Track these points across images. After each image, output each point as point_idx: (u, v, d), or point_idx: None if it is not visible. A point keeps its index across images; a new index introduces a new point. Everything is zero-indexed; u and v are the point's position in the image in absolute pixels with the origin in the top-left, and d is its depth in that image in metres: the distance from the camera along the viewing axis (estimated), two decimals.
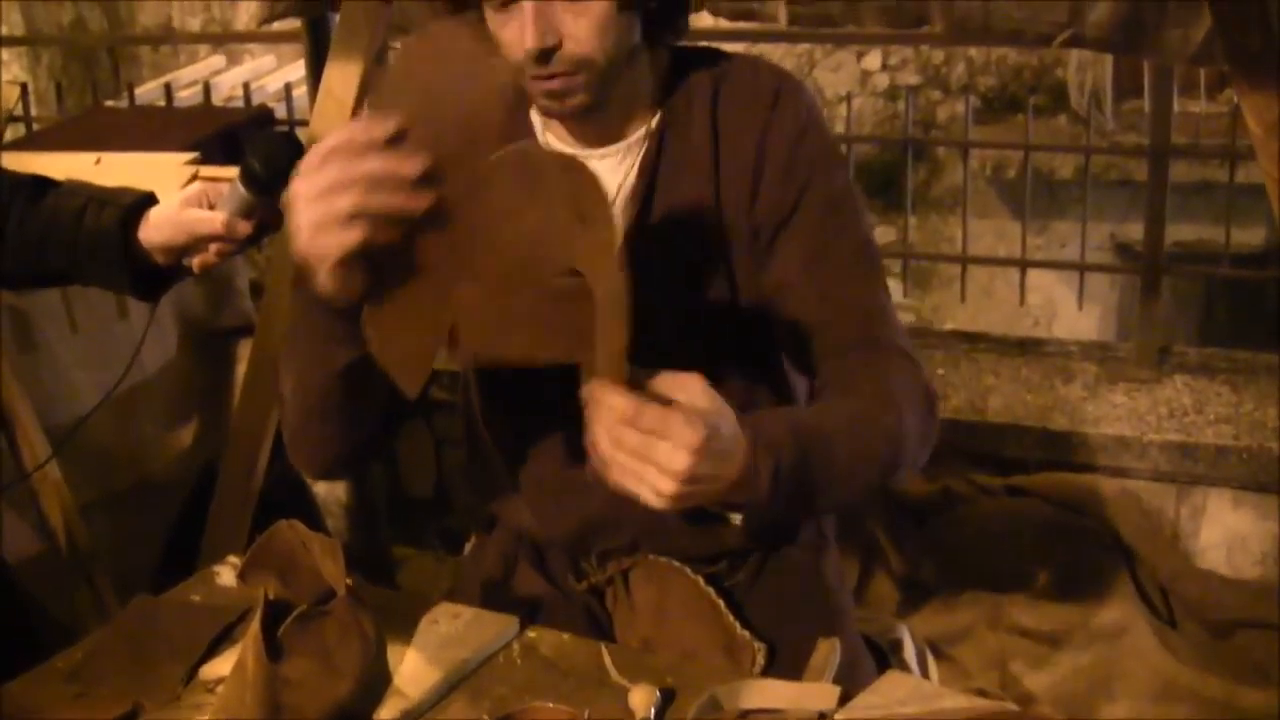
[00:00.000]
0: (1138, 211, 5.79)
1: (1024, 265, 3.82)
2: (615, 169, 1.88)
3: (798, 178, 1.82)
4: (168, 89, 4.49)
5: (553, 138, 1.91)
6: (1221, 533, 3.30)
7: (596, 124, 1.86)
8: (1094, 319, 6.39)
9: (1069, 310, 6.11)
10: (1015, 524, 3.24)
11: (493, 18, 1.75)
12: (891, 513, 3.35)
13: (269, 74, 5.10)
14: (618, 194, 1.87)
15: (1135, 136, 6.29)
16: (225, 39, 7.13)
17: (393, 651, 1.57)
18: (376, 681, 1.55)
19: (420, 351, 1.49)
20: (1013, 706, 2.09)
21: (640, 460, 1.42)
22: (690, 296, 1.88)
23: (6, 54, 7.39)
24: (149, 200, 1.97)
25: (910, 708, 1.53)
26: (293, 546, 1.62)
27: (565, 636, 1.75)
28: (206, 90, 4.48)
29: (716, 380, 1.86)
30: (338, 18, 3.45)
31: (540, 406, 1.95)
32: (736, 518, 1.66)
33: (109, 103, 4.68)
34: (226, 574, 1.91)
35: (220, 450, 3.87)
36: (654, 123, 1.87)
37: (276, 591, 1.55)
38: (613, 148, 1.88)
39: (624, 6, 1.73)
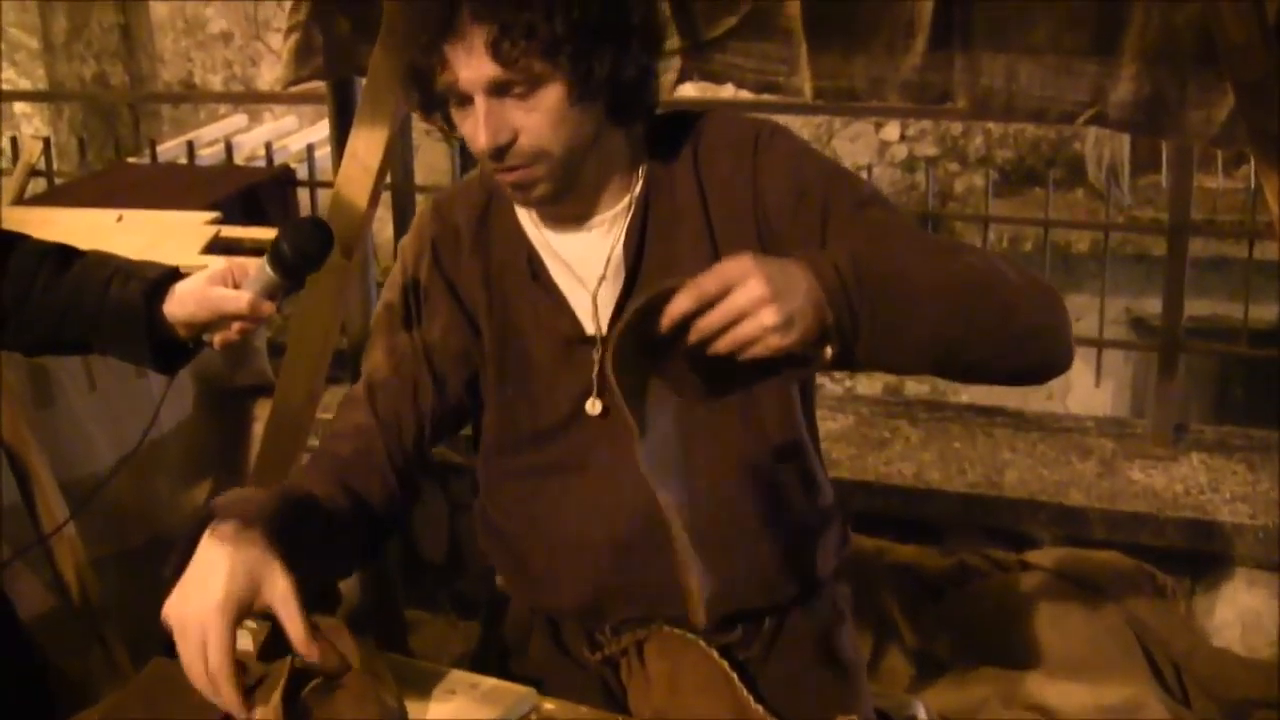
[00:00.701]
0: (1153, 286, 5.80)
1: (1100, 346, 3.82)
2: (600, 241, 1.89)
3: (814, 199, 1.82)
4: (190, 147, 4.53)
5: (530, 221, 1.93)
6: (1236, 611, 3.30)
7: (572, 205, 1.87)
8: (1108, 394, 6.38)
9: (1084, 384, 6.10)
10: (1030, 599, 3.23)
11: (455, 112, 1.79)
12: (906, 586, 3.34)
13: (291, 134, 5.13)
14: (606, 265, 1.89)
15: (1152, 211, 6.31)
16: (249, 99, 7.18)
17: None
18: None
19: None
20: None
21: (734, 318, 1.48)
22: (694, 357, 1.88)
23: (29, 108, 7.46)
24: (174, 275, 1.97)
25: None
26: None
27: (582, 709, 1.76)
28: (228, 149, 4.51)
29: (726, 440, 1.87)
30: (363, 82, 3.49)
31: (550, 476, 1.97)
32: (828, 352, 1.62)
33: (131, 159, 4.72)
34: (244, 639, 1.90)
35: None
36: (637, 189, 1.88)
37: (299, 661, 1.56)
38: (595, 220, 1.89)
39: (579, 99, 1.74)
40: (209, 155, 4.71)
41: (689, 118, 1.93)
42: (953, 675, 3.22)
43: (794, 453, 1.96)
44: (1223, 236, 4.89)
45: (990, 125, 6.85)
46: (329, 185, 4.17)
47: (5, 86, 7.25)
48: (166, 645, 1.62)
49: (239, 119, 5.63)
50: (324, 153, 4.32)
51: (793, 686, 1.96)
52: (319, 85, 3.63)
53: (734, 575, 1.89)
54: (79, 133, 6.87)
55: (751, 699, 1.88)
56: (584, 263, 1.91)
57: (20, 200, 4.35)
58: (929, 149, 7.02)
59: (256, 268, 1.90)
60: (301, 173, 4.27)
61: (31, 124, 7.50)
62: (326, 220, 1.94)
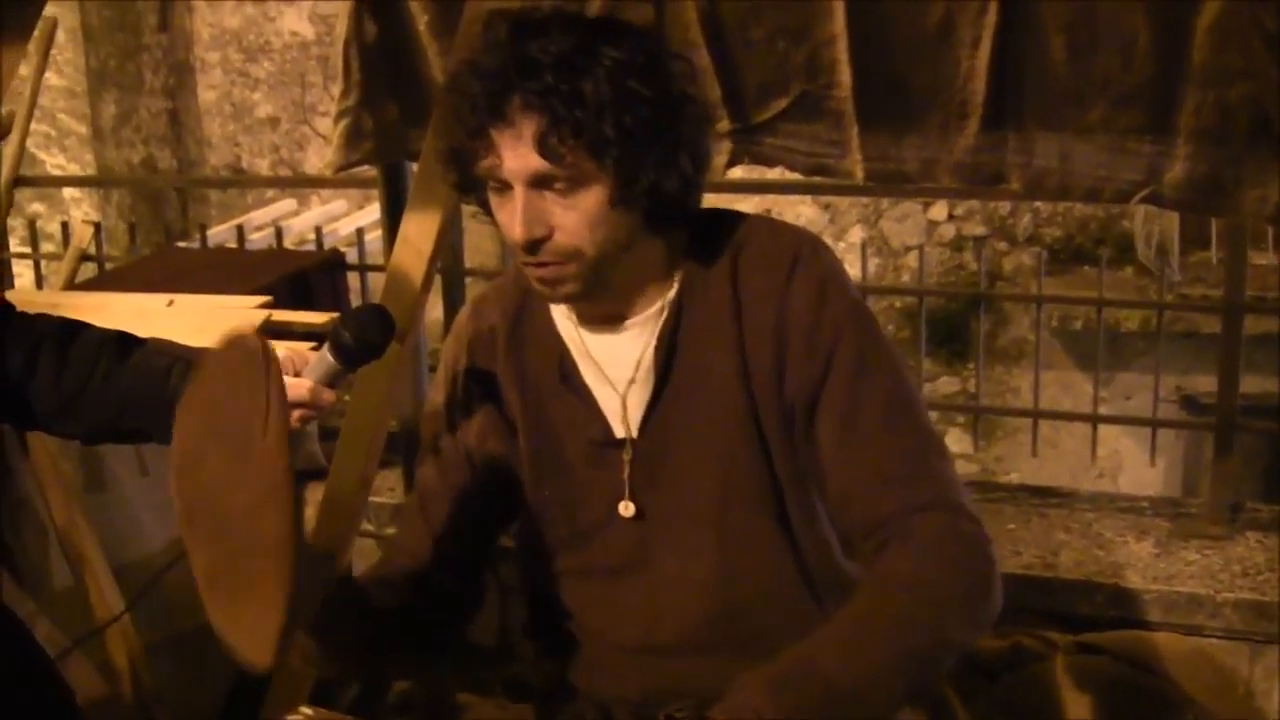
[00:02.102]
0: (1203, 363, 5.77)
1: (1095, 420, 3.79)
2: (633, 342, 1.90)
3: (823, 347, 1.83)
4: (239, 231, 4.55)
5: (566, 320, 1.94)
6: None
7: (605, 304, 1.88)
8: (1160, 472, 6.33)
9: (1135, 463, 6.07)
10: (1087, 681, 3.19)
11: (493, 198, 1.80)
12: (961, 669, 3.30)
13: (340, 218, 5.17)
14: (636, 369, 1.89)
15: (1202, 288, 6.28)
16: (301, 183, 7.23)
17: None
18: None
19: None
20: None
21: None
22: (722, 463, 1.88)
23: (78, 193, 7.54)
24: None
25: None
26: None
27: None
28: (278, 233, 4.54)
29: (753, 546, 1.86)
30: (414, 167, 3.52)
31: (589, 579, 1.96)
32: None
33: (181, 244, 4.76)
34: None
35: None
36: (672, 293, 1.89)
37: None
38: (628, 321, 1.89)
39: (619, 203, 1.74)
40: (258, 239, 4.74)
41: (732, 222, 1.93)
42: None
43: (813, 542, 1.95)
44: (1277, 313, 4.86)
45: (1039, 204, 6.84)
46: (379, 269, 4.21)
47: (55, 172, 7.33)
48: None
49: (288, 203, 5.68)
50: (373, 236, 4.35)
51: None
52: (366, 170, 3.66)
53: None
54: (127, 218, 6.96)
55: None
56: (615, 364, 1.91)
57: (71, 285, 4.38)
58: (977, 228, 7.02)
59: (317, 356, 1.91)
60: (351, 256, 4.28)
61: (80, 209, 7.57)
62: (385, 307, 1.95)
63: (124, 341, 2.02)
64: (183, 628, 3.46)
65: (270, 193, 8.54)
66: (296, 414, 1.94)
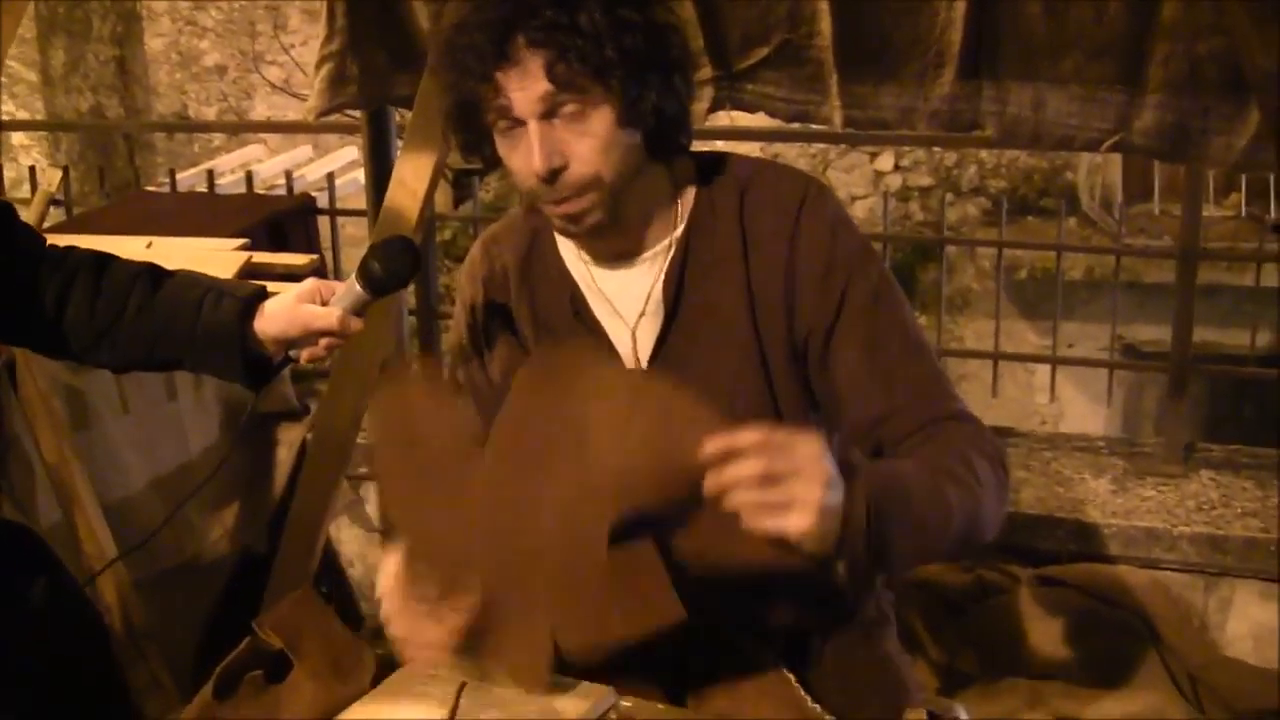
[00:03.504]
0: (1144, 313, 5.90)
1: (1055, 362, 3.91)
2: (642, 277, 1.98)
3: (837, 281, 1.91)
4: (210, 176, 4.58)
5: (575, 258, 2.02)
6: (1249, 625, 3.38)
7: (616, 239, 1.96)
8: (1102, 418, 6.48)
9: (1078, 410, 6.20)
10: (1049, 613, 3.31)
11: (501, 142, 1.88)
12: (928, 602, 3.41)
13: (306, 163, 5.20)
14: (646, 302, 1.97)
15: (1144, 239, 6.41)
16: (286, 128, 7.16)
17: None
18: None
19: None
20: None
21: (778, 496, 1.53)
22: (728, 398, 1.94)
23: (27, 139, 7.53)
24: (263, 293, 2.05)
25: None
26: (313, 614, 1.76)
27: (660, 706, 1.82)
28: (249, 178, 4.58)
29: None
30: (397, 112, 3.57)
31: None
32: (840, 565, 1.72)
33: (150, 188, 4.78)
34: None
35: (259, 534, 3.93)
36: (679, 231, 1.97)
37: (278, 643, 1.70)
38: (638, 257, 1.97)
39: (625, 122, 1.83)
40: (226, 185, 4.77)
41: (738, 164, 2.01)
42: (979, 687, 3.30)
43: None
44: (1231, 261, 4.99)
45: (983, 155, 6.95)
46: (350, 213, 4.26)
47: (5, 118, 7.31)
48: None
49: (256, 149, 5.72)
50: (343, 180, 4.39)
51: (846, 684, 2.03)
52: (351, 116, 3.71)
53: (791, 588, 1.98)
54: (76, 165, 6.95)
55: (809, 698, 1.94)
56: (625, 299, 1.99)
57: (40, 229, 4.39)
58: (923, 179, 7.11)
59: (344, 286, 1.99)
60: (320, 200, 4.33)
61: (30, 155, 7.56)
62: (411, 239, 2.03)
63: (155, 273, 2.08)
64: (165, 565, 3.54)
65: (215, 142, 8.54)
66: (324, 343, 2.03)
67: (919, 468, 1.79)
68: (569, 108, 1.81)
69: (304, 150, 5.71)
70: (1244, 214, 6.32)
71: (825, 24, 2.87)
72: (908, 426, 1.88)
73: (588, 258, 2.01)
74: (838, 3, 2.85)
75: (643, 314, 1.98)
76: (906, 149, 6.89)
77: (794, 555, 1.61)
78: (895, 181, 7.14)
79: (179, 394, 3.73)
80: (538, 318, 2.05)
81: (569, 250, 2.02)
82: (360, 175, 5.10)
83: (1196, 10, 2.66)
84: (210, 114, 9.09)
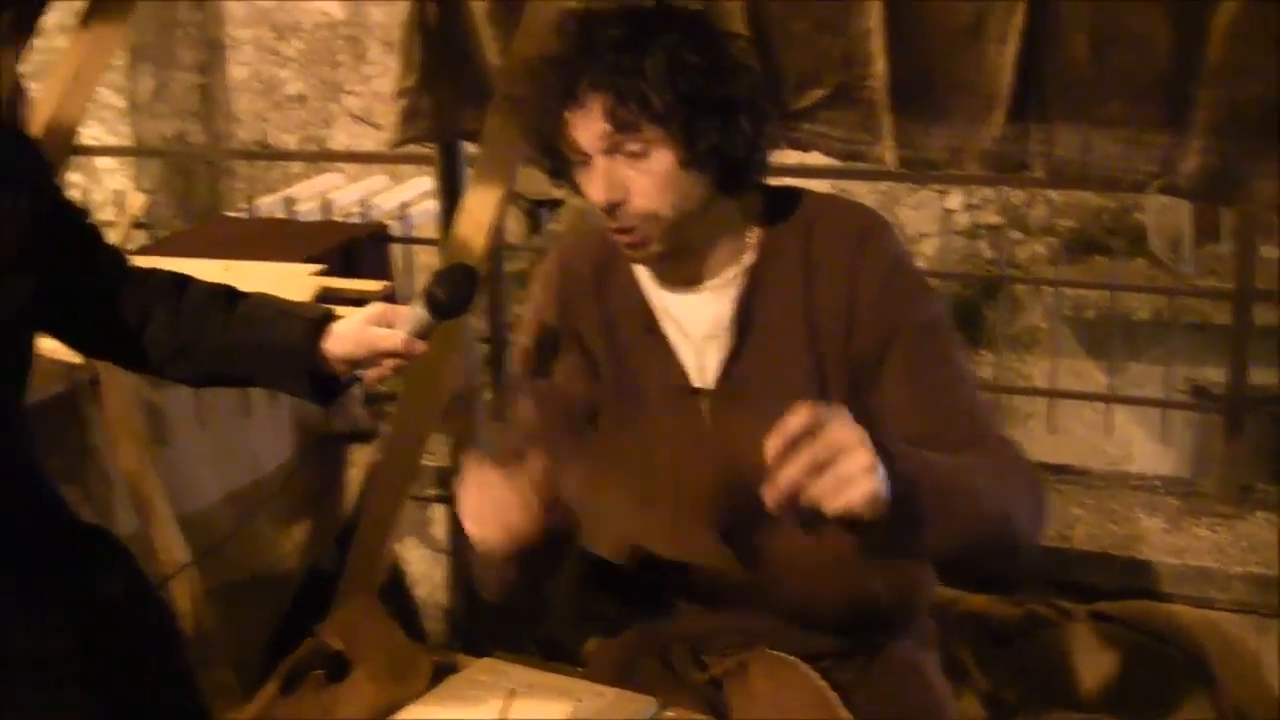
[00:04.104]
0: (1213, 354, 5.89)
1: (1109, 400, 3.95)
2: (711, 303, 2.06)
3: (890, 315, 1.99)
4: (288, 203, 4.72)
5: (646, 278, 2.11)
6: None
7: (683, 266, 2.05)
8: (1169, 460, 6.47)
9: (1144, 451, 6.19)
10: (1099, 648, 3.34)
11: (578, 175, 1.99)
12: (977, 634, 3.45)
13: (381, 192, 5.34)
14: (715, 326, 2.06)
15: (1214, 280, 6.38)
16: (361, 158, 7.26)
17: None
18: None
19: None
20: None
21: (834, 472, 1.59)
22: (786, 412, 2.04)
23: (112, 163, 7.70)
24: (331, 315, 2.16)
25: None
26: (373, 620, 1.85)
27: (700, 717, 1.89)
28: (326, 206, 4.71)
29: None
30: (467, 145, 3.69)
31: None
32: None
33: (230, 213, 4.92)
34: None
35: (328, 552, 4.04)
36: (748, 261, 2.05)
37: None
38: (706, 283, 2.06)
39: (688, 165, 1.92)
40: (305, 211, 4.91)
41: (807, 198, 2.10)
42: (1024, 717, 3.34)
43: None
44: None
45: (1053, 194, 6.97)
46: (421, 241, 4.38)
47: (90, 143, 7.50)
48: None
49: (334, 177, 5.85)
50: (416, 209, 4.51)
51: (887, 709, 2.10)
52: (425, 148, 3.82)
53: (840, 607, 2.06)
54: (158, 188, 7.12)
55: (852, 718, 2.01)
56: (694, 321, 2.08)
57: (124, 250, 4.54)
58: (992, 217, 7.14)
59: (409, 310, 2.09)
60: (396, 230, 4.46)
61: (115, 178, 7.75)
62: (474, 267, 2.13)
63: (231, 294, 2.19)
64: (234, 577, 3.66)
65: (295, 169, 8.69)
66: (389, 364, 2.13)
67: (950, 460, 1.85)
68: (630, 146, 1.91)
69: (380, 179, 5.85)
70: None
71: (879, 66, 2.95)
72: (953, 441, 1.93)
73: (658, 280, 2.10)
74: (892, 46, 2.94)
75: (711, 337, 2.06)
76: (974, 187, 6.92)
77: (862, 533, 1.67)
78: (964, 220, 7.18)
79: (254, 412, 3.86)
80: (610, 330, 2.14)
81: (642, 270, 2.11)
82: (432, 205, 5.24)
83: (1238, 55, 2.72)
84: (290, 142, 9.24)
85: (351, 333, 2.12)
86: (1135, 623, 3.39)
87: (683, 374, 2.08)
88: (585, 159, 1.95)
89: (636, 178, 1.93)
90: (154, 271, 2.22)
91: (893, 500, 1.65)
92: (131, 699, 2.09)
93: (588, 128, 1.92)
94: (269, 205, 4.97)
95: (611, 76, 1.88)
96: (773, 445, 1.60)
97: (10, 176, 2.00)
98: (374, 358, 2.12)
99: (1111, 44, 2.81)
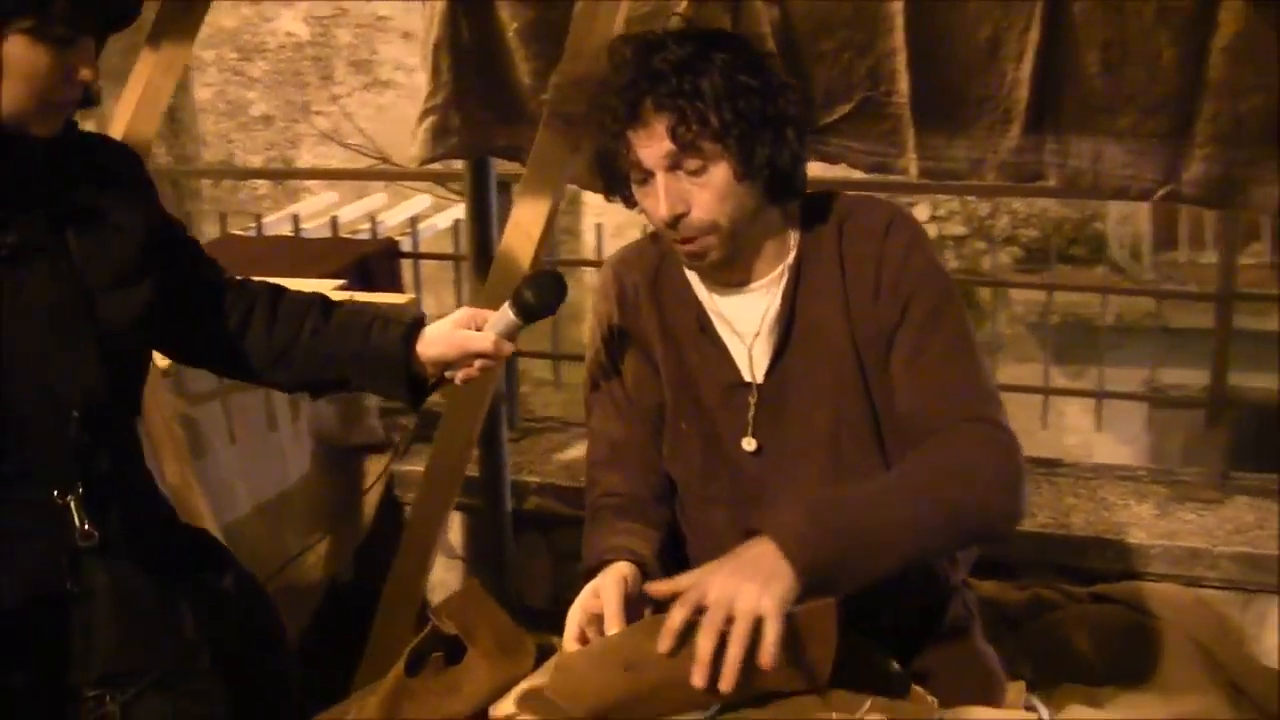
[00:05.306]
0: (1173, 357, 6.12)
1: (1100, 397, 4.15)
2: (758, 301, 2.23)
3: (904, 292, 2.16)
4: (295, 220, 4.84)
5: (696, 282, 2.28)
6: None
7: (734, 270, 2.22)
8: (1128, 457, 6.68)
9: (1105, 449, 6.41)
10: (1103, 627, 3.52)
11: (637, 190, 2.16)
12: (988, 617, 3.62)
13: (383, 210, 5.47)
14: (761, 323, 2.23)
15: (1171, 285, 6.61)
16: (389, 177, 7.29)
17: None
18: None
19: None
20: None
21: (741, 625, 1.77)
22: (833, 404, 2.22)
23: None
24: (423, 319, 2.31)
25: None
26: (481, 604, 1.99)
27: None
28: (334, 224, 4.84)
29: (857, 474, 2.17)
30: (496, 162, 3.83)
31: (716, 506, 2.29)
32: None
33: (236, 232, 5.02)
34: None
35: (346, 562, 4.15)
36: (791, 260, 2.23)
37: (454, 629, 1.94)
38: (753, 284, 2.23)
39: (743, 178, 2.10)
40: (310, 230, 5.02)
41: (839, 199, 2.27)
42: (1038, 693, 3.51)
43: None
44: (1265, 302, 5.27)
45: (1016, 205, 7.16)
46: (432, 256, 4.52)
47: None
48: None
49: (330, 195, 5.97)
50: (424, 225, 4.64)
51: (943, 676, 2.22)
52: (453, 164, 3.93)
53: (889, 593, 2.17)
54: None
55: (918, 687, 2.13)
56: (742, 320, 2.25)
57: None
58: (957, 228, 7.31)
59: (497, 314, 2.24)
60: (405, 245, 4.58)
61: None
62: (559, 273, 2.29)
63: (326, 302, 2.34)
64: (263, 576, 3.76)
65: (262, 188, 8.73)
66: (478, 364, 2.27)
67: (868, 489, 2.03)
68: (691, 163, 2.08)
69: (380, 197, 5.98)
70: (1270, 261, 6.54)
71: (904, 83, 3.13)
72: (932, 425, 2.10)
73: (708, 283, 2.27)
74: (915, 63, 3.11)
75: (758, 334, 2.23)
76: (943, 199, 7.10)
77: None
78: (931, 231, 7.36)
79: (279, 425, 3.97)
80: (666, 332, 2.30)
81: (692, 274, 2.28)
82: (438, 221, 5.39)
83: (1240, 71, 2.92)
84: (256, 162, 9.31)
85: (443, 336, 2.27)
86: (1132, 603, 3.59)
87: (735, 369, 2.25)
88: (647, 176, 2.12)
89: (696, 192, 2.10)
90: (249, 281, 2.36)
91: (825, 546, 1.85)
92: (249, 688, 2.22)
93: (651, 147, 2.09)
94: (274, 224, 5.09)
95: (673, 98, 2.05)
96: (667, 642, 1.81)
97: (124, 189, 2.12)
98: (465, 359, 2.27)
99: (1121, 62, 3.00)
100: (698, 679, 1.77)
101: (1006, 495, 2.06)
